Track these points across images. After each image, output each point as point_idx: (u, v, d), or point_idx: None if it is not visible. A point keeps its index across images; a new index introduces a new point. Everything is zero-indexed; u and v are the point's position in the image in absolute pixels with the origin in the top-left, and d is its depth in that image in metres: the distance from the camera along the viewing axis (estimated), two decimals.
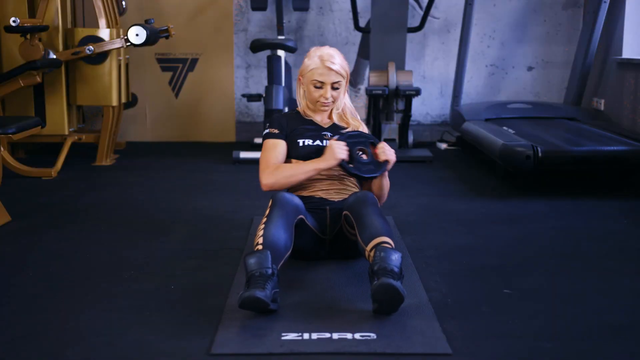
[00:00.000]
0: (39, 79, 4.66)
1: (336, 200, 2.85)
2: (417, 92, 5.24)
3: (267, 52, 5.47)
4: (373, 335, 2.18)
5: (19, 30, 4.48)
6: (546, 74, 6.16)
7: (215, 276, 2.73)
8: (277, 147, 2.87)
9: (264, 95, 5.34)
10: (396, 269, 2.32)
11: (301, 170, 2.79)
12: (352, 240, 2.77)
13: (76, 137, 5.11)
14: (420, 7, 6.01)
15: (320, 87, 2.84)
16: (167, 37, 5.16)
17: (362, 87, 6.07)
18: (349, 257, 2.88)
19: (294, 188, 2.89)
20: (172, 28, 5.13)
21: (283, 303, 2.41)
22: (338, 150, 2.75)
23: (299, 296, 2.50)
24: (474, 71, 6.12)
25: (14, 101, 4.93)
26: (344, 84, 2.88)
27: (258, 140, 5.71)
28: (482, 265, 2.88)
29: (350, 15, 5.90)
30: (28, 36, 4.58)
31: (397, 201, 3.95)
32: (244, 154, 5.10)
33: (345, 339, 2.15)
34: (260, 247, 2.46)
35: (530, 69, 6.15)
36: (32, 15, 4.85)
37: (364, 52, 6.00)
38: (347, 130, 2.92)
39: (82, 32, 4.91)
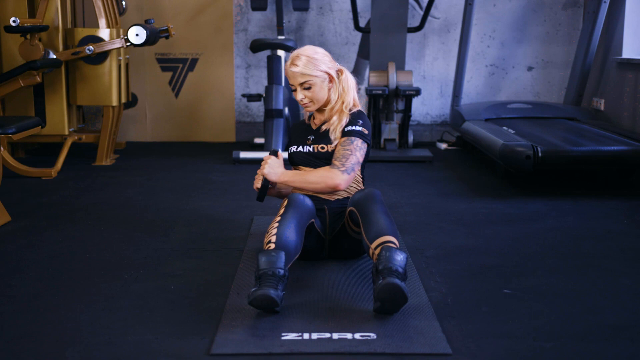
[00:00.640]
0: (39, 79, 4.66)
1: (334, 200, 2.85)
2: (417, 92, 5.24)
3: (267, 52, 5.48)
4: (373, 335, 2.18)
5: (19, 30, 4.49)
6: (546, 74, 6.16)
7: (215, 276, 2.73)
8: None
9: (264, 95, 5.35)
10: (401, 270, 2.32)
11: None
12: (353, 238, 2.78)
13: (76, 137, 5.11)
14: (420, 7, 6.01)
15: (295, 90, 2.85)
16: (167, 37, 5.16)
17: (362, 87, 6.07)
18: (349, 257, 2.88)
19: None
20: (172, 28, 5.13)
21: (283, 303, 2.41)
22: (255, 182, 2.89)
23: (299, 296, 2.50)
24: (474, 71, 6.13)
25: (14, 101, 4.93)
26: (318, 82, 2.80)
27: (258, 140, 5.72)
28: (482, 265, 2.88)
29: (350, 15, 5.91)
30: (28, 36, 4.59)
31: (397, 201, 3.95)
32: (244, 154, 5.10)
33: (345, 339, 2.15)
34: (272, 245, 2.46)
35: (530, 69, 6.15)
36: (32, 15, 4.85)
37: (364, 52, 6.00)
38: (322, 132, 2.89)
39: (82, 32, 4.92)
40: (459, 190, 4.29)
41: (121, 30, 4.99)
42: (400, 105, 5.41)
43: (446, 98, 6.19)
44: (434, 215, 3.69)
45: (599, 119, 5.52)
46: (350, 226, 2.74)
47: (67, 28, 5.00)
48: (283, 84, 5.31)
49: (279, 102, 5.19)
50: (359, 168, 2.86)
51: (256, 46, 5.28)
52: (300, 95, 2.82)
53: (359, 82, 6.05)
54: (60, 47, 4.90)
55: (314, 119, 2.98)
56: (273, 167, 2.80)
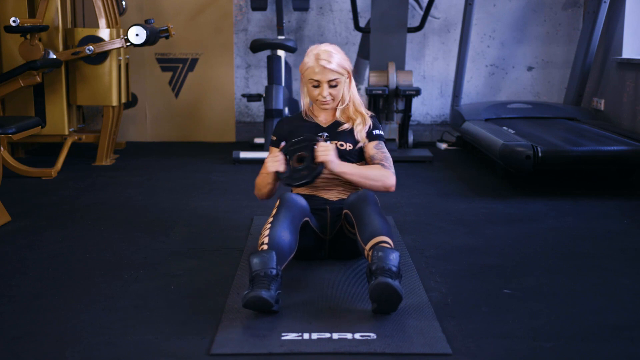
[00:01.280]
0: (39, 79, 4.66)
1: (336, 199, 2.85)
2: (417, 92, 5.24)
3: (267, 52, 5.48)
4: (373, 335, 2.18)
5: (19, 30, 4.49)
6: (546, 74, 6.16)
7: (215, 276, 2.73)
8: (270, 155, 2.86)
9: (264, 95, 5.35)
10: (394, 268, 2.32)
11: (264, 174, 2.84)
12: (352, 239, 2.77)
13: (76, 137, 5.11)
14: (420, 7, 6.01)
15: (318, 86, 2.81)
16: (167, 37, 5.16)
17: (362, 87, 6.07)
18: (349, 257, 2.88)
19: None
20: (172, 28, 5.13)
21: (283, 303, 2.41)
22: (270, 164, 2.75)
23: (299, 296, 2.50)
24: (474, 71, 6.13)
25: (14, 101, 4.93)
26: (343, 80, 2.84)
27: (258, 140, 5.72)
28: (482, 265, 2.88)
29: (350, 15, 5.91)
30: (28, 36, 4.59)
31: (397, 201, 3.95)
32: (244, 154, 5.10)
33: (345, 339, 2.15)
34: (265, 246, 2.46)
35: (530, 69, 6.15)
36: (32, 15, 4.85)
37: (364, 52, 6.00)
38: (342, 130, 2.87)
39: (82, 32, 4.92)
40: (459, 190, 4.29)
41: (121, 30, 4.99)
42: (400, 105, 5.41)
43: (446, 98, 6.19)
44: (434, 215, 3.69)
45: (599, 119, 5.52)
46: (347, 228, 2.74)
47: (67, 28, 5.00)
48: (283, 83, 5.31)
49: (279, 102, 5.19)
50: None
51: (256, 46, 5.28)
52: (325, 92, 2.80)
53: (359, 82, 6.09)
54: (60, 47, 4.90)
55: (315, 116, 2.95)
56: (335, 156, 2.73)
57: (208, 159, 5.30)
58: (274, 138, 2.96)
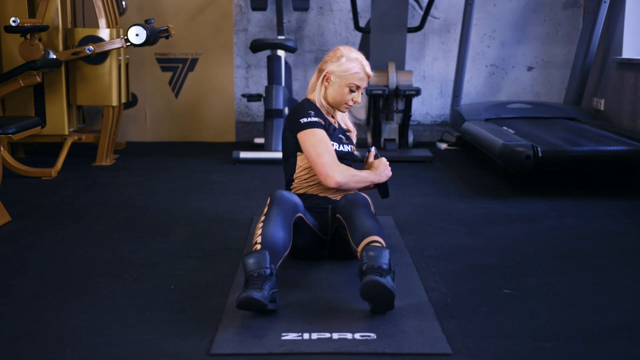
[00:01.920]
0: (39, 79, 4.66)
1: (338, 199, 2.85)
2: (417, 92, 5.24)
3: (267, 52, 5.47)
4: (373, 335, 2.18)
5: (19, 30, 4.49)
6: (546, 74, 6.16)
7: (215, 276, 2.73)
8: (328, 141, 2.79)
9: (264, 95, 5.35)
10: (384, 266, 2.32)
11: (365, 179, 2.85)
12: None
13: (76, 137, 5.11)
14: (420, 7, 6.01)
15: (354, 91, 2.87)
16: (167, 37, 5.16)
17: None
18: (349, 257, 2.88)
19: (296, 186, 2.89)
20: (172, 28, 5.13)
21: (283, 303, 2.41)
22: (388, 169, 2.93)
23: (299, 296, 2.50)
24: (474, 71, 6.13)
25: (14, 101, 4.93)
26: None
27: (258, 140, 5.72)
28: (482, 265, 2.88)
29: (350, 15, 5.91)
30: (28, 36, 4.59)
31: (397, 201, 3.95)
32: (244, 154, 5.10)
33: (345, 339, 2.15)
34: (258, 246, 2.46)
35: (530, 69, 6.15)
36: (32, 15, 4.85)
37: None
38: (349, 135, 3.01)
39: (82, 32, 4.92)
40: (459, 190, 4.29)
41: (121, 30, 4.99)
42: (400, 105, 5.41)
43: (446, 98, 6.19)
44: (434, 215, 3.69)
45: (599, 119, 5.52)
46: (342, 232, 2.74)
47: (67, 28, 5.00)
48: (283, 83, 5.31)
49: (279, 102, 5.19)
50: None
51: (256, 46, 5.28)
52: (359, 98, 2.90)
53: None
54: (60, 47, 4.90)
55: (330, 115, 2.94)
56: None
57: (208, 159, 5.30)
58: (322, 122, 2.82)
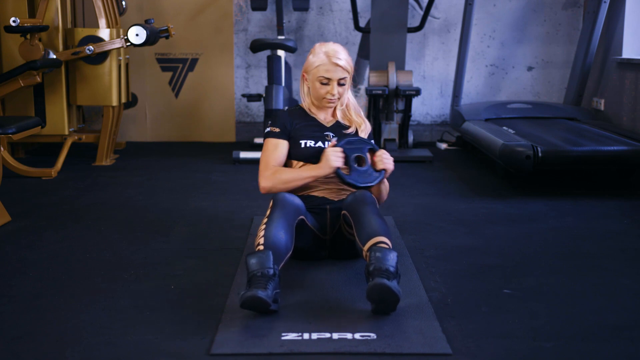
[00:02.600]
0: (39, 79, 4.66)
1: (337, 199, 2.85)
2: (417, 92, 5.24)
3: (267, 52, 5.47)
4: (373, 335, 2.18)
5: (19, 30, 4.49)
6: (546, 74, 6.16)
7: (215, 276, 2.73)
8: (278, 148, 2.84)
9: (264, 95, 5.35)
10: (392, 269, 2.32)
11: (299, 176, 2.77)
12: (352, 240, 2.77)
13: (76, 137, 5.11)
14: (420, 7, 6.01)
15: (327, 84, 2.81)
16: (167, 37, 5.17)
17: (362, 87, 6.07)
18: (349, 257, 2.88)
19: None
20: (172, 28, 5.13)
21: (283, 303, 2.41)
22: (333, 157, 2.70)
23: (299, 296, 2.50)
24: (474, 71, 6.13)
25: (14, 101, 4.93)
26: (349, 80, 2.86)
27: (258, 140, 5.71)
28: (482, 265, 2.88)
29: (350, 15, 5.91)
30: (28, 36, 4.59)
31: (397, 201, 3.95)
32: (244, 154, 5.10)
33: (345, 339, 2.15)
34: (261, 247, 2.46)
35: (530, 69, 6.15)
36: (32, 15, 4.85)
37: (364, 52, 6.00)
38: (348, 132, 2.89)
39: (82, 32, 4.92)
40: (459, 190, 4.29)
41: (121, 30, 4.99)
42: (400, 105, 5.41)
43: (446, 98, 6.19)
44: (434, 215, 3.69)
45: (599, 119, 5.52)
46: (346, 229, 2.74)
47: (67, 28, 5.00)
48: (283, 83, 5.31)
49: (279, 102, 5.19)
50: None
51: (256, 46, 5.28)
52: (335, 90, 2.81)
53: (359, 82, 6.09)
54: (60, 47, 4.90)
55: (314, 115, 2.93)
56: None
57: (208, 159, 5.30)
58: (278, 130, 2.86)
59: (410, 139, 5.52)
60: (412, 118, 5.88)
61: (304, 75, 2.90)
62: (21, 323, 2.30)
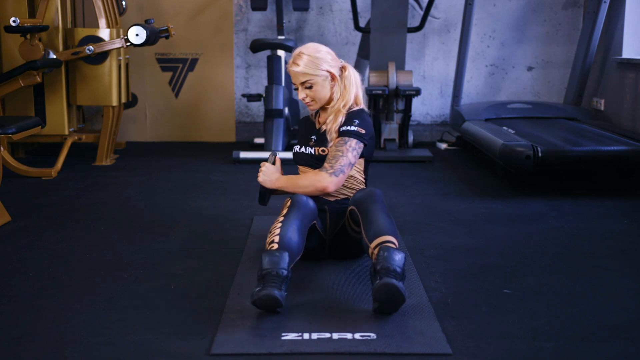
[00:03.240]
0: (39, 79, 4.66)
1: (334, 200, 2.85)
2: (417, 92, 5.24)
3: (267, 52, 5.48)
4: (373, 335, 2.18)
5: (19, 30, 4.49)
6: (546, 74, 6.16)
7: (215, 276, 2.73)
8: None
9: (264, 95, 5.35)
10: (399, 270, 2.32)
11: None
12: (353, 238, 2.77)
13: (76, 137, 5.11)
14: (420, 7, 6.01)
15: (297, 88, 2.83)
16: (167, 37, 5.16)
17: (362, 87, 6.06)
18: (350, 257, 2.88)
19: None
20: (172, 28, 5.13)
21: (283, 303, 2.40)
22: (261, 174, 2.83)
23: (299, 296, 2.50)
24: (474, 71, 6.13)
25: (14, 101, 4.93)
26: (319, 81, 2.76)
27: (258, 140, 5.72)
28: (482, 265, 2.88)
29: (350, 15, 5.91)
30: (28, 36, 4.58)
31: (397, 201, 3.95)
32: (244, 154, 5.10)
33: (345, 339, 2.15)
34: (275, 245, 2.45)
35: (530, 69, 6.15)
36: (32, 15, 4.85)
37: (364, 52, 6.00)
38: (321, 133, 2.87)
39: (82, 32, 4.91)
40: (459, 190, 4.29)
41: (121, 30, 4.99)
42: (400, 105, 5.41)
43: (446, 98, 6.19)
44: (434, 215, 3.69)
45: (599, 119, 5.52)
46: (351, 225, 2.74)
47: (67, 28, 5.00)
48: (283, 84, 5.31)
49: (279, 102, 5.19)
50: (350, 169, 2.74)
51: (256, 46, 5.28)
52: (302, 94, 2.80)
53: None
54: (60, 47, 4.90)
55: (318, 116, 2.95)
56: (268, 174, 2.82)
57: (208, 159, 5.30)
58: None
59: (410, 139, 5.52)
60: (412, 118, 5.88)
61: None
62: (21, 323, 2.30)
